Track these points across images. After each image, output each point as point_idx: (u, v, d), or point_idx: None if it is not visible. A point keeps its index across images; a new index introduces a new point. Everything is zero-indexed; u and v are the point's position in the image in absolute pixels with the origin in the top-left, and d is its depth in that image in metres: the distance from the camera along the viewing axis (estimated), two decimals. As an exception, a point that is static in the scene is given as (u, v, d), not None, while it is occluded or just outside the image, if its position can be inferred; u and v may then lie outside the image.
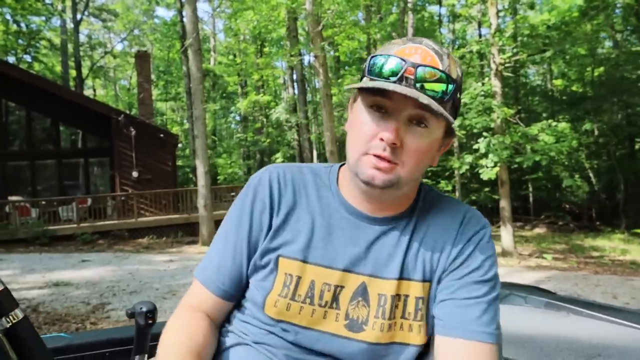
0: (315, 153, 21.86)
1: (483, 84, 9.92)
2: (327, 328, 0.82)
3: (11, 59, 23.99)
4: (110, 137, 14.96)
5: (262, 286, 0.84)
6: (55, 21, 26.06)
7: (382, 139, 0.75)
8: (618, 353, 1.43)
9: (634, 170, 18.05)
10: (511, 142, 9.08)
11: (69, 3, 25.59)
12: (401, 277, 0.82)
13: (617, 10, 15.33)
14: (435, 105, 0.71)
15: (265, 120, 25.06)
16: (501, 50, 10.12)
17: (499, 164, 9.14)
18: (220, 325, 0.91)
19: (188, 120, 24.84)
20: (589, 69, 18.67)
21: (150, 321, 1.16)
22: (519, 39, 12.22)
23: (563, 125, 9.44)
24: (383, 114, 0.76)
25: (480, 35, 19.06)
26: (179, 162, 23.51)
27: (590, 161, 17.22)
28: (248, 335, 0.86)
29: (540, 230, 17.20)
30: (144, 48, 28.65)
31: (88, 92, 30.48)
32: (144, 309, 1.16)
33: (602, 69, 18.00)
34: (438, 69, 0.74)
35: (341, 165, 0.92)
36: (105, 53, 30.99)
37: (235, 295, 0.89)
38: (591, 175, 18.09)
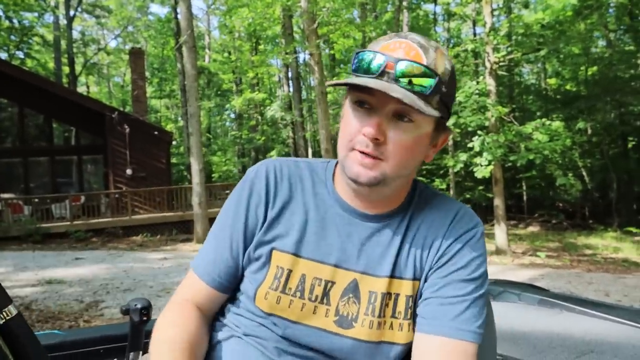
0: (310, 151, 21.86)
1: (478, 82, 9.94)
2: (317, 323, 0.82)
3: (3, 55, 23.78)
4: (104, 134, 14.87)
5: (254, 278, 0.85)
6: (48, 17, 25.87)
7: (364, 135, 0.75)
8: (611, 349, 1.44)
9: (626, 169, 18.18)
10: (505, 140, 9.12)
11: (62, -1, 25.43)
12: (392, 276, 0.82)
13: (610, 10, 15.40)
14: (409, 98, 0.71)
15: (260, 118, 25.00)
16: (496, 49, 10.15)
17: (493, 163, 9.17)
18: (212, 317, 0.91)
19: (182, 117, 24.74)
20: (582, 68, 18.75)
21: (144, 318, 1.16)
22: (514, 37, 12.26)
23: (557, 124, 9.47)
24: (367, 110, 0.76)
25: (474, 34, 19.11)
26: (174, 160, 23.43)
27: (583, 160, 17.31)
28: (240, 327, 0.87)
29: (533, 228, 17.29)
30: (138, 45, 28.52)
31: (81, 89, 30.27)
32: (139, 306, 1.15)
33: (595, 68, 18.09)
34: (421, 64, 0.73)
35: (338, 162, 0.92)
36: (99, 50, 30.78)
37: (230, 287, 0.88)
38: (584, 173, 18.19)
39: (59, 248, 11.17)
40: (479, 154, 9.19)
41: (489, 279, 0.85)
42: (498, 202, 10.25)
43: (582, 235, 14.62)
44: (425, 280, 0.83)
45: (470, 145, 9.41)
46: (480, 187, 16.73)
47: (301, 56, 20.44)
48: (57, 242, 11.97)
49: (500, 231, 10.14)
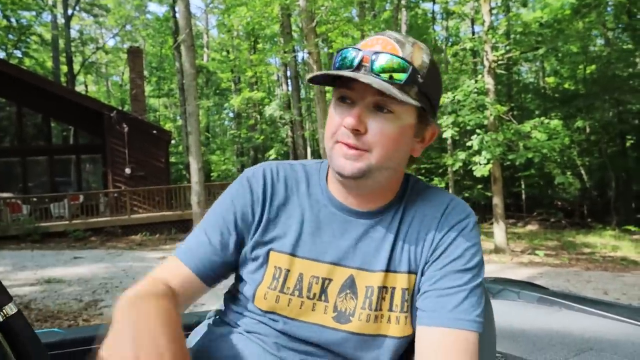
0: (309, 150, 21.86)
1: (476, 81, 9.93)
2: (316, 320, 0.84)
3: (1, 54, 23.77)
4: (102, 133, 14.85)
5: (252, 279, 0.86)
6: (46, 16, 25.82)
7: (345, 126, 0.77)
8: (610, 347, 1.44)
9: (625, 167, 18.20)
10: (504, 139, 9.12)
11: (60, -2, 25.36)
12: (387, 270, 0.84)
13: (608, 8, 15.39)
14: (383, 86, 0.73)
15: (259, 117, 24.99)
16: (494, 48, 10.15)
17: (492, 161, 9.17)
18: (183, 308, 0.85)
19: (181, 116, 24.72)
20: (581, 66, 18.77)
21: (145, 316, 1.15)
22: (512, 36, 12.27)
23: (555, 123, 9.47)
24: (349, 105, 0.79)
25: (473, 33, 19.11)
26: (172, 159, 23.40)
27: (582, 158, 17.34)
28: (240, 325, 0.88)
29: (532, 227, 17.31)
30: (136, 44, 28.46)
31: (80, 88, 30.22)
32: (139, 304, 1.15)
33: (594, 66, 18.10)
34: (396, 55, 0.76)
35: None
36: (97, 49, 30.73)
37: (211, 277, 0.86)
38: (583, 172, 18.22)
39: (57, 247, 11.15)
40: (478, 152, 9.19)
41: (489, 277, 0.86)
42: (497, 201, 10.26)
43: (581, 233, 14.64)
44: (422, 274, 0.84)
45: (469, 143, 9.42)
46: (479, 186, 16.75)
47: (300, 55, 20.44)
48: (55, 242, 11.96)
49: (499, 230, 10.15)
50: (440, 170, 16.28)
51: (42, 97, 14.27)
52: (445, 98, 9.25)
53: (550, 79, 22.16)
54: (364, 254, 0.84)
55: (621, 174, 18.34)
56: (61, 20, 25.94)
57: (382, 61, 0.75)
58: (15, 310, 0.83)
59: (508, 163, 10.76)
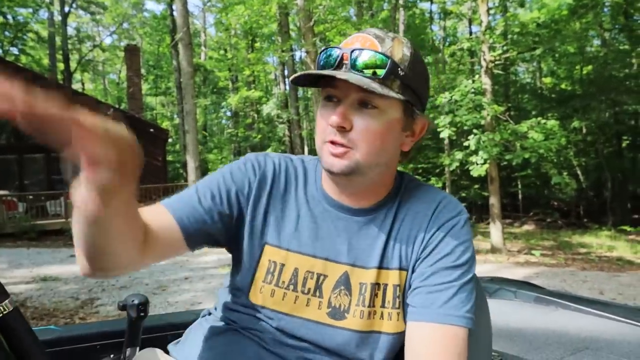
0: (306, 149, 21.84)
1: (473, 81, 9.95)
2: (310, 315, 0.84)
3: (-2, 52, 23.64)
4: (99, 131, 14.80)
5: (247, 272, 0.86)
6: (43, 13, 25.71)
7: (330, 124, 0.78)
8: (606, 346, 1.45)
9: (621, 168, 18.27)
10: (501, 139, 9.13)
11: (57, -5, 25.25)
12: (380, 267, 0.85)
13: (605, 9, 15.44)
14: (362, 82, 0.73)
15: (256, 116, 24.97)
16: (491, 48, 10.17)
17: (488, 161, 9.19)
18: (152, 249, 0.76)
19: (178, 115, 24.67)
20: (577, 67, 18.82)
21: (142, 314, 1.16)
22: (509, 36, 12.25)
23: (552, 123, 9.49)
24: (335, 103, 0.80)
25: (470, 33, 19.13)
26: (170, 158, 23.38)
27: (578, 159, 17.39)
28: (236, 322, 0.88)
29: (529, 227, 17.36)
30: (134, 42, 28.36)
31: (76, 86, 30.12)
32: (136, 302, 1.15)
33: (590, 67, 18.14)
34: (374, 51, 0.76)
35: None
36: (94, 46, 30.64)
37: (191, 234, 0.80)
38: (579, 172, 18.28)
39: (54, 245, 11.12)
40: (475, 152, 9.20)
41: (486, 276, 0.86)
42: (494, 201, 10.28)
43: (577, 233, 14.68)
44: (413, 271, 0.84)
45: (466, 143, 9.43)
46: (476, 186, 16.77)
47: (297, 54, 20.43)
48: (52, 239, 11.92)
49: (495, 229, 10.17)
50: (437, 170, 16.30)
51: (38, 95, 14.20)
52: (443, 98, 9.27)
53: (547, 80, 22.21)
54: (358, 250, 0.85)
55: (617, 175, 18.41)
56: (58, 18, 25.82)
57: (362, 58, 0.76)
58: (12, 307, 0.83)
59: (505, 163, 10.79)
